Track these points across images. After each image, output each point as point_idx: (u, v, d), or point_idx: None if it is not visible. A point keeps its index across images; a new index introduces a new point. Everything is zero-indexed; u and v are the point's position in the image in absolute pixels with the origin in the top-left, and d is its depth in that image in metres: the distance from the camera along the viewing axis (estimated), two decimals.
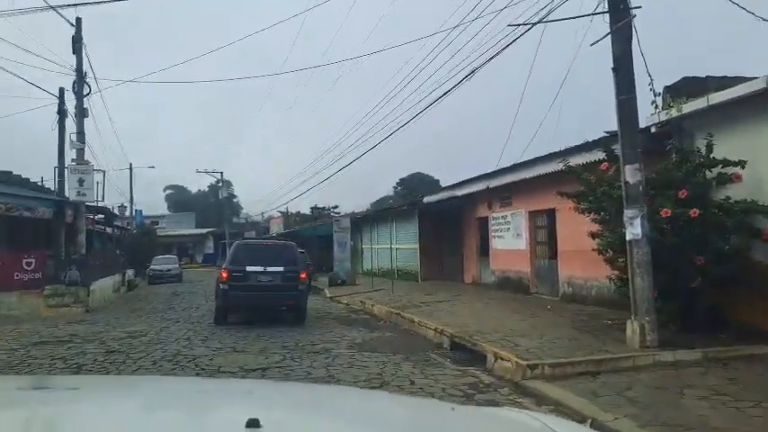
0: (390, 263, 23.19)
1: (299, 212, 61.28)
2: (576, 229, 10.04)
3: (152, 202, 67.71)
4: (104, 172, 17.35)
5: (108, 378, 3.87)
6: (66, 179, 16.65)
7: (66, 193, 16.67)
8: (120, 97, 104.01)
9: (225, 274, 11.23)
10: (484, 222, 17.28)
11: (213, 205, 66.21)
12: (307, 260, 20.95)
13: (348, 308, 15.30)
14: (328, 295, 18.97)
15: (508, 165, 13.79)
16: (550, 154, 11.61)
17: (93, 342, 9.71)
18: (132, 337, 10.08)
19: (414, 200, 19.71)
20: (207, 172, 51.06)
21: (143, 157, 64.93)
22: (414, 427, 1.37)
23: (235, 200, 77.40)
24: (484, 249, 17.56)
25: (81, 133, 17.19)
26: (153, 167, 50.53)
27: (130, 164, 44.35)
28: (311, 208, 24.80)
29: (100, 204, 18.02)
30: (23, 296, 13.14)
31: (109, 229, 26.66)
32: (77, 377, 4.35)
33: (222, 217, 53.25)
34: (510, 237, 15.74)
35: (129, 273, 26.36)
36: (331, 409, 1.51)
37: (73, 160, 16.92)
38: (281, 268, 11.25)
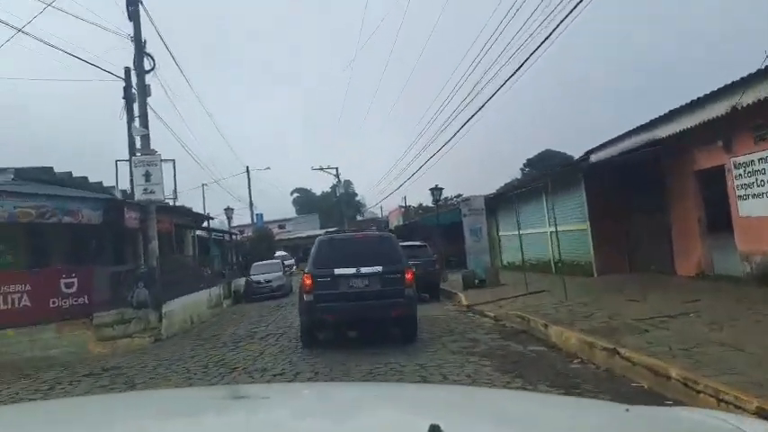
0: (546, 252, 17.27)
1: (420, 204, 57.10)
2: None
3: (280, 207, 68.85)
4: (173, 162, 13.85)
5: (292, 386, 3.76)
6: (131, 175, 13.41)
7: (131, 190, 13.45)
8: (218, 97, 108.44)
9: (308, 281, 8.71)
10: (713, 176, 10.64)
11: (336, 205, 65.80)
12: (431, 255, 15.95)
13: (500, 327, 9.93)
14: (464, 302, 13.74)
15: None
16: None
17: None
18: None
19: (574, 161, 13.51)
20: (322, 169, 48.78)
21: (259, 160, 65.11)
22: (591, 429, 1.31)
23: (357, 198, 76.66)
24: (716, 220, 10.94)
25: (144, 116, 13.92)
26: (269, 169, 49.59)
27: (247, 167, 43.37)
28: (430, 189, 19.55)
29: (169, 202, 14.72)
30: (64, 328, 9.87)
31: (201, 235, 24.10)
32: (264, 386, 4.22)
33: (342, 214, 50.91)
34: None
35: (239, 282, 23.62)
36: (506, 413, 1.48)
37: (137, 151, 13.67)
38: (378, 268, 8.69)
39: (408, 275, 8.73)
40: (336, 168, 49.52)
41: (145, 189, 13.44)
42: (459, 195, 44.71)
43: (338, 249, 9.12)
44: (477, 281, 15.84)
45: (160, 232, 15.04)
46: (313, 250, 9.30)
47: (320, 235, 10.33)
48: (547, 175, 14.36)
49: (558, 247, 16.05)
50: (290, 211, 76.62)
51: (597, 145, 13.93)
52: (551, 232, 17.37)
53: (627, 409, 1.42)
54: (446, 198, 48.35)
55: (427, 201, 49.64)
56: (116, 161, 13.36)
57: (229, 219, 27.55)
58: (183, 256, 18.92)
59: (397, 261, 8.91)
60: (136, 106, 14.20)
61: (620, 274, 13.93)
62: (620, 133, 12.89)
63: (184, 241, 22.21)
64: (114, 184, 13.35)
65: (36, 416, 1.64)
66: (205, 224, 24.43)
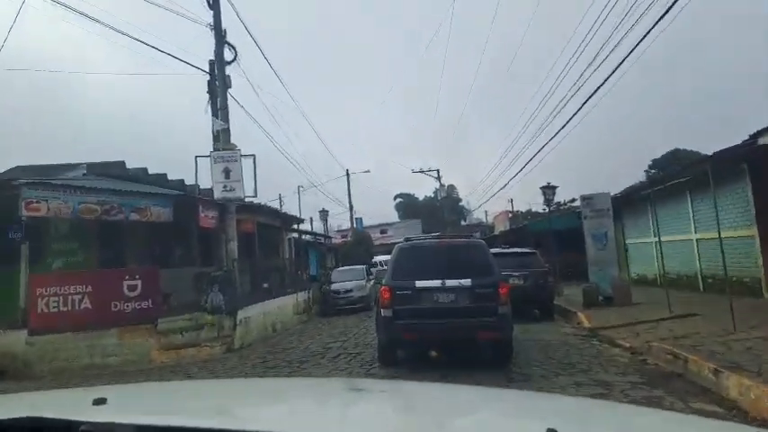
0: (690, 265, 14.01)
1: (529, 210, 53.23)
2: None
3: (383, 213, 68.81)
4: (254, 157, 12.88)
5: (405, 383, 3.57)
6: (210, 172, 12.66)
7: (210, 189, 12.68)
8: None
9: (386, 294, 7.72)
10: None
11: (439, 210, 64.38)
12: (542, 265, 13.44)
13: (640, 365, 7.36)
14: (586, 324, 11.13)
15: None
16: None
17: None
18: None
19: (733, 147, 10.17)
20: (423, 171, 47.40)
21: (362, 165, 65.29)
22: None
23: (460, 203, 74.59)
24: None
25: (224, 109, 13.14)
26: (368, 171, 49.07)
27: (347, 170, 43.07)
28: (542, 188, 16.83)
29: (253, 201, 13.77)
30: (125, 334, 9.08)
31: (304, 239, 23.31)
32: (379, 381, 4.58)
33: (443, 220, 49.03)
34: None
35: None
36: (622, 424, 1.45)
37: (216, 147, 12.91)
38: (467, 281, 7.60)
39: (503, 290, 7.56)
40: (438, 170, 47.79)
41: (224, 186, 12.61)
42: (573, 200, 40.64)
43: (420, 258, 8.06)
44: (601, 298, 13.04)
45: (242, 233, 14.23)
46: (391, 258, 8.30)
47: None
48: (694, 166, 11.26)
49: (703, 258, 12.77)
50: (394, 217, 76.64)
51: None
52: (699, 240, 14.04)
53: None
54: (558, 203, 44.35)
55: (537, 206, 45.91)
56: (196, 157, 12.66)
57: (325, 221, 26.74)
58: (273, 258, 18.15)
59: (490, 273, 7.74)
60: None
61: None
62: None
63: (278, 244, 21.66)
64: (195, 181, 12.69)
65: (160, 396, 1.77)
66: (303, 227, 23.72)
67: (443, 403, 1.64)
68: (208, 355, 10.01)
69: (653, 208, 17.29)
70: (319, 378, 6.14)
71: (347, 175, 43.07)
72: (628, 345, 8.43)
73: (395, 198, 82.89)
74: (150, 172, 12.41)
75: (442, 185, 53.90)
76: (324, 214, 27.12)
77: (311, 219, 49.15)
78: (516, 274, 12.61)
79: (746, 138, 11.21)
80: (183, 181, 13.15)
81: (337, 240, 42.15)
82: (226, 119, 13.08)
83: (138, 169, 11.42)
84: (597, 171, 73.19)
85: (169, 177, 12.55)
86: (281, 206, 40.31)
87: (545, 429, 1.03)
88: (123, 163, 10.82)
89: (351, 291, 18.35)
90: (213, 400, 1.67)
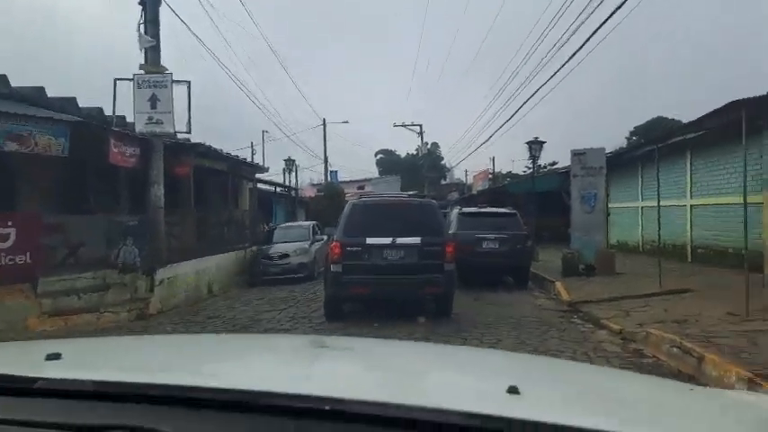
0: (681, 233, 12.62)
1: (509, 172, 51.72)
2: None
3: (365, 169, 67.06)
4: (189, 83, 10.77)
5: (376, 341, 3.36)
6: (133, 100, 10.51)
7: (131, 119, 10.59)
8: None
9: (336, 250, 7.88)
10: None
11: (421, 168, 62.78)
12: (521, 228, 11.81)
13: (634, 356, 5.77)
14: (565, 297, 9.61)
15: None
16: None
17: None
18: None
19: (747, 99, 8.36)
20: (405, 125, 45.27)
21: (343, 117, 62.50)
22: (654, 405, 1.26)
23: (442, 162, 73.05)
24: None
25: (154, 22, 10.85)
26: (347, 122, 46.86)
27: (323, 119, 40.71)
28: (528, 143, 15.03)
29: (182, 139, 11.67)
30: None
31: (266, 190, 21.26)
32: (348, 338, 4.17)
33: (422, 178, 47.38)
34: None
35: None
36: (581, 383, 1.47)
37: (141, 67, 10.71)
38: (416, 240, 7.81)
39: (449, 249, 7.92)
40: (420, 126, 45.68)
41: (150, 118, 10.49)
42: (554, 164, 39.06)
43: (372, 216, 8.16)
44: (582, 266, 11.54)
45: (177, 177, 12.21)
46: (343, 215, 8.33)
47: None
48: (699, 122, 9.54)
49: (695, 227, 11.28)
50: (375, 174, 75.07)
51: None
52: (693, 206, 12.55)
53: (691, 389, 1.54)
54: (540, 166, 42.81)
55: (517, 168, 44.31)
56: (115, 80, 10.44)
57: (289, 171, 24.53)
58: (227, 209, 16.05)
59: (438, 232, 8.14)
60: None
61: None
62: None
63: (238, 194, 19.65)
64: (112, 109, 10.52)
65: (121, 350, 1.64)
66: (279, 180, 21.49)
67: (408, 360, 1.62)
68: (110, 322, 8.21)
69: (629, 171, 15.87)
70: (281, 335, 5.90)
71: (324, 124, 40.77)
72: (617, 327, 6.88)
73: (376, 154, 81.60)
74: (72, 98, 10.05)
75: (424, 143, 51.98)
76: (290, 164, 24.76)
77: (284, 170, 47.04)
78: (491, 236, 11.00)
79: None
80: (101, 110, 10.95)
81: (310, 194, 40.19)
82: (155, 34, 10.80)
83: (29, 88, 9.08)
84: (578, 136, 71.84)
85: (83, 104, 10.31)
86: (252, 156, 38.06)
87: (506, 386, 1.02)
88: (4, 78, 8.53)
89: (287, 256, 13.86)
90: (174, 355, 1.56)
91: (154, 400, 1.00)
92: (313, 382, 1.25)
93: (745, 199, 7.17)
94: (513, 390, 1.02)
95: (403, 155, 77.50)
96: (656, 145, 9.85)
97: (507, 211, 12.06)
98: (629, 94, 76.97)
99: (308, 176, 42.13)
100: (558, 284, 10.54)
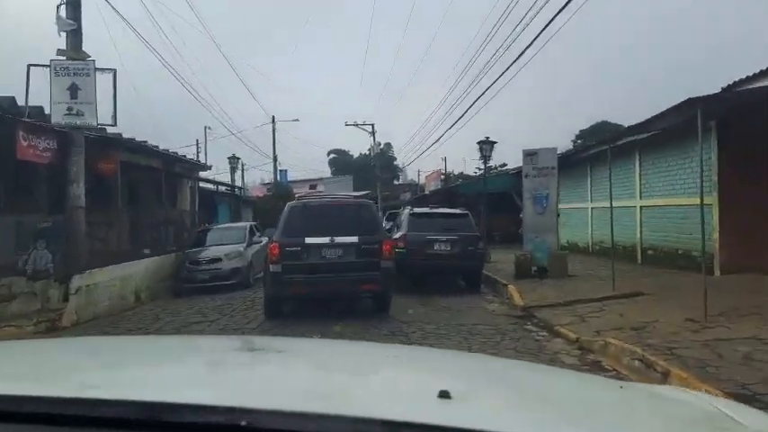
0: (630, 234, 12.63)
1: (461, 173, 52.04)
2: None
3: (317, 169, 66.18)
4: (114, 72, 9.76)
5: (308, 341, 3.17)
6: (50, 88, 9.40)
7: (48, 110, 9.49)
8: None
9: (276, 251, 7.99)
10: None
11: (373, 168, 62.36)
12: (473, 228, 11.42)
13: (593, 369, 5.41)
14: (518, 302, 9.25)
15: None
16: None
17: None
18: None
19: (703, 97, 8.29)
20: (356, 125, 44.61)
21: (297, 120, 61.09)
22: (584, 403, 1.29)
23: (395, 162, 72.98)
24: None
25: (74, 4, 9.76)
26: (297, 120, 45.87)
27: (273, 116, 39.46)
28: (479, 143, 14.71)
29: (108, 132, 10.60)
30: None
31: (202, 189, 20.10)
32: (280, 339, 3.94)
33: (375, 178, 46.93)
34: None
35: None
36: (506, 381, 1.48)
37: (60, 53, 9.61)
38: (354, 239, 8.02)
39: (386, 247, 8.24)
40: (372, 125, 45.16)
41: (69, 109, 9.44)
42: (504, 165, 39.46)
43: (311, 217, 8.37)
44: (534, 268, 11.28)
45: (102, 174, 11.11)
46: (282, 217, 8.45)
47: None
48: (650, 122, 9.43)
49: (644, 227, 11.27)
50: (328, 173, 74.23)
51: (748, 75, 8.87)
52: (643, 207, 12.57)
53: (621, 386, 1.56)
54: (490, 167, 43.18)
55: (469, 169, 44.56)
56: (29, 66, 9.31)
57: (233, 169, 23.33)
58: (163, 210, 14.84)
59: (375, 231, 8.45)
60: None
61: (759, 273, 9.10)
62: None
63: (176, 193, 18.41)
64: (25, 99, 9.36)
65: (39, 354, 1.52)
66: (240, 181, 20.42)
67: (340, 362, 1.57)
68: (12, 336, 7.14)
69: (579, 172, 15.91)
70: (207, 336, 5.43)
71: (273, 122, 39.51)
72: (573, 336, 6.51)
73: (328, 154, 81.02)
74: None
75: (377, 143, 51.57)
76: (234, 161, 23.51)
77: (233, 169, 45.30)
78: (443, 238, 10.54)
79: (723, 88, 9.47)
80: (13, 99, 9.75)
81: (259, 194, 38.86)
82: (76, 17, 9.71)
83: None
84: (526, 138, 73.27)
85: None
86: (197, 155, 36.39)
87: (437, 392, 0.99)
88: None
89: (219, 260, 12.20)
90: (77, 361, 1.41)
91: (19, 417, 0.86)
92: (227, 390, 1.13)
93: (702, 200, 6.96)
94: (444, 394, 1.00)
95: (356, 155, 77.20)
96: (609, 145, 9.68)
97: (459, 211, 11.66)
98: (576, 98, 79.49)
99: (260, 176, 40.51)
100: (511, 288, 10.19)
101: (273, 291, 8.00)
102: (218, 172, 39.13)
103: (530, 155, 11.37)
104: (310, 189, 63.63)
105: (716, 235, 9.49)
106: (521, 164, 11.97)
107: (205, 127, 28.67)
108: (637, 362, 5.01)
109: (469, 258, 10.69)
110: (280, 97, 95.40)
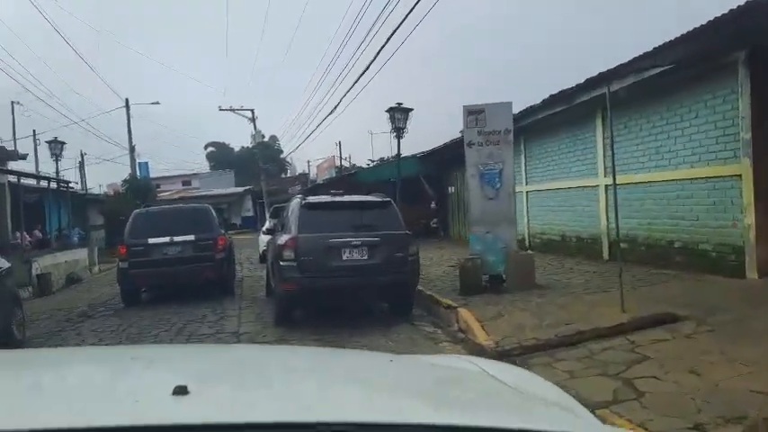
0: (593, 221, 9.66)
1: (354, 165, 48.45)
2: None
3: (195, 165, 59.15)
4: None
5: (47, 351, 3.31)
6: None
7: None
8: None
9: (123, 250, 9.65)
10: None
11: (255, 160, 56.58)
12: (401, 225, 7.51)
13: None
14: (482, 341, 5.54)
15: None
16: None
17: None
18: None
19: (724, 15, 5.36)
20: (233, 110, 38.97)
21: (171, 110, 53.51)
22: (354, 378, 1.34)
23: (282, 155, 67.66)
24: None
25: None
26: (157, 103, 39.16)
27: (126, 99, 32.67)
28: (388, 110, 10.82)
29: None
30: None
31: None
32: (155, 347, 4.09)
33: (258, 170, 41.75)
34: None
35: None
36: (261, 369, 1.45)
37: None
38: (191, 237, 9.65)
39: (220, 242, 9.87)
40: (252, 111, 39.82)
41: None
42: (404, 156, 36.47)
43: (153, 220, 10.03)
44: (486, 277, 7.73)
45: None
46: (128, 221, 10.05)
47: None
48: (663, 50, 6.34)
49: (621, 214, 8.23)
50: (206, 168, 67.21)
51: None
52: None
53: (391, 360, 1.63)
54: (382, 158, 40.05)
55: (361, 160, 41.07)
56: None
57: (56, 157, 17.18)
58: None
59: (210, 230, 10.00)
60: None
61: None
62: None
63: None
64: None
65: None
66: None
67: (211, 365, 1.50)
68: None
69: (529, 141, 12.56)
70: (99, 347, 5.14)
71: (126, 105, 32.68)
72: None
73: (206, 147, 73.94)
74: None
75: (259, 132, 46.16)
76: (55, 147, 17.15)
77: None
78: (356, 242, 6.62)
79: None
80: None
81: (116, 190, 32.14)
82: None
83: None
84: (431, 128, 71.21)
85: None
86: (36, 152, 28.76)
87: (174, 386, 0.96)
88: None
89: None
90: None
91: None
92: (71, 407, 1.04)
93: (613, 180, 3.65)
94: (180, 390, 0.95)
95: (237, 148, 70.73)
96: (606, 85, 6.14)
97: (378, 199, 7.59)
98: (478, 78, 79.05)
99: (127, 172, 33.10)
100: (464, 314, 6.50)
101: (125, 285, 9.74)
102: (67, 168, 31.60)
103: (473, 113, 7.71)
104: (183, 186, 56.13)
105: (749, 220, 6.54)
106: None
107: (12, 102, 21.74)
108: None
109: (397, 270, 6.83)
110: (145, 85, 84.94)
